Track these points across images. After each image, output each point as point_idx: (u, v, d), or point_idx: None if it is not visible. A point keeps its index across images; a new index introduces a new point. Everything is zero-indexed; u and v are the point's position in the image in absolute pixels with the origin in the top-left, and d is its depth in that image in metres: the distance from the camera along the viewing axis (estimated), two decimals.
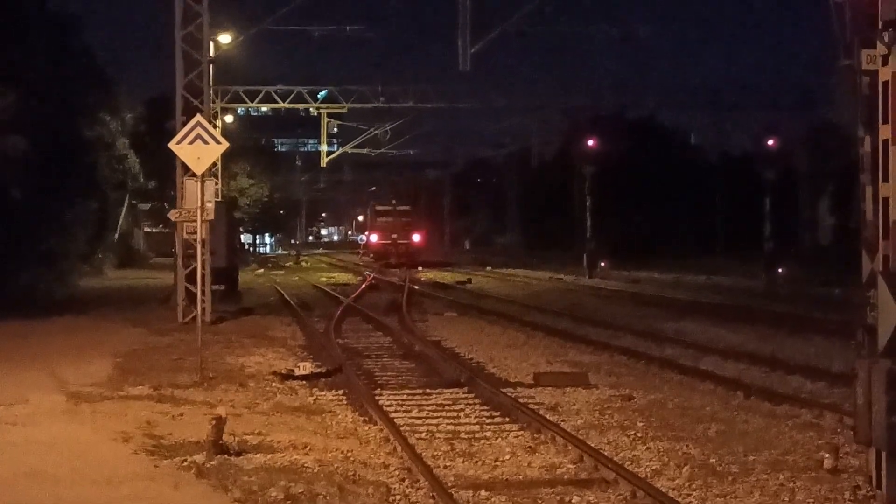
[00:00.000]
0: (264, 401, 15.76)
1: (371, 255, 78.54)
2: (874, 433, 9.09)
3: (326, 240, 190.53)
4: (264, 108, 71.05)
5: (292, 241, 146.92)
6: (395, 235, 74.48)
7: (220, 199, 35.77)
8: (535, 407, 14.93)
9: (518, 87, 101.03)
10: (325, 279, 55.12)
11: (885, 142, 9.31)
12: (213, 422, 11.68)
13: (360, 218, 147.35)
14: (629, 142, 72.99)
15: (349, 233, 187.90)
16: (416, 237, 76.69)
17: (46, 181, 33.99)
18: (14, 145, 30.94)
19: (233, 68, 51.30)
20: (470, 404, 15.58)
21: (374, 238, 77.96)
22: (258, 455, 11.72)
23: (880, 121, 9.37)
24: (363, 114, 66.91)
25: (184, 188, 23.02)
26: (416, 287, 45.26)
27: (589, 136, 60.31)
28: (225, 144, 18.89)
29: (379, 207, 79.78)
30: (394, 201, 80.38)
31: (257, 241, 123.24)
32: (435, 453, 12.22)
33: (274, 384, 17.49)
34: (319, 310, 33.24)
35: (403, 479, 10.89)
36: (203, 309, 21.69)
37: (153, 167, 58.13)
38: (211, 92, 31.19)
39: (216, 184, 34.03)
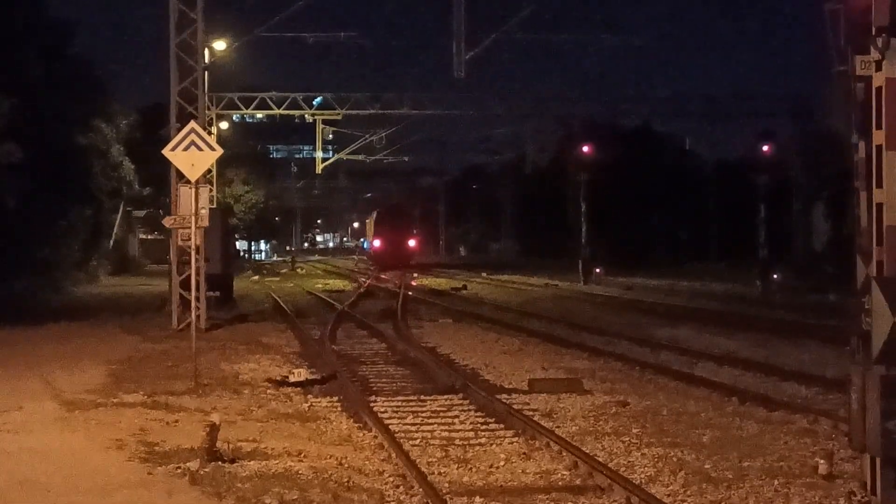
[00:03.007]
0: (259, 408, 15.73)
1: (373, 258, 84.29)
2: (868, 439, 9.08)
3: (322, 246, 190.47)
4: (259, 115, 70.99)
5: (287, 248, 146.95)
6: (394, 241, 79.86)
7: (214, 206, 35.78)
8: (530, 413, 14.92)
9: (513, 94, 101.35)
10: (320, 286, 55.06)
11: (879, 147, 9.31)
12: (208, 429, 11.65)
13: (356, 224, 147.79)
14: (624, 149, 73.00)
15: (344, 239, 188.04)
16: (412, 242, 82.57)
17: (41, 189, 33.94)
18: (8, 153, 30.89)
19: (228, 75, 51.45)
20: (465, 411, 15.56)
21: (376, 243, 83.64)
22: (252, 462, 11.70)
23: (874, 126, 9.37)
24: (358, 120, 67.07)
25: (178, 195, 22.99)
26: (412, 293, 45.22)
27: (583, 143, 60.32)
28: (219, 151, 18.87)
29: (380, 216, 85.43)
30: (394, 210, 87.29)
31: (252, 248, 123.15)
32: (429, 460, 12.20)
33: (268, 391, 17.45)
34: (314, 316, 33.20)
35: (398, 486, 10.87)
36: (198, 316, 21.67)
37: (148, 174, 58.02)
38: (206, 99, 31.18)
39: (211, 190, 33.99)
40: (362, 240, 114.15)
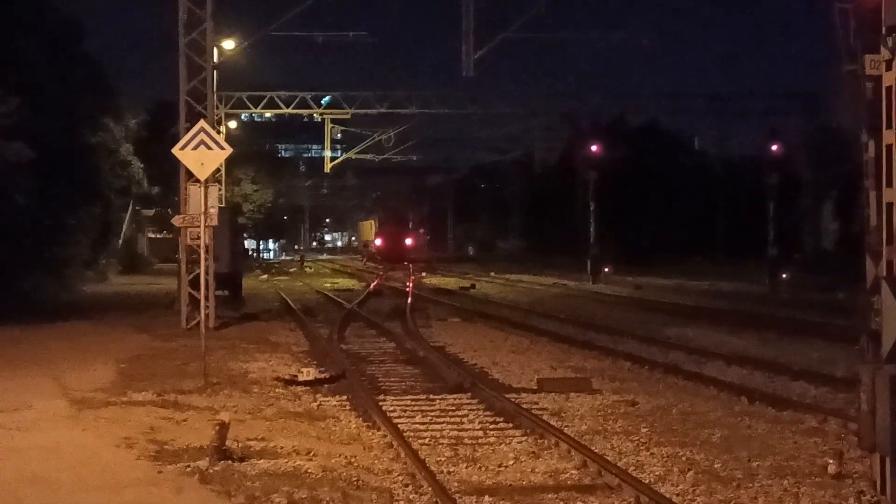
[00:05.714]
0: (268, 406, 15.74)
1: (374, 257, 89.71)
2: (878, 438, 9.08)
3: (330, 245, 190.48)
4: (268, 114, 71.19)
5: (296, 247, 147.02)
6: (394, 240, 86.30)
7: (223, 205, 35.81)
8: (539, 412, 14.91)
9: (521, 92, 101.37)
10: (328, 285, 55.09)
11: (889, 146, 9.31)
12: (217, 427, 11.67)
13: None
14: (632, 147, 72.92)
15: (353, 238, 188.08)
16: (409, 241, 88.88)
17: (50, 187, 33.98)
18: (17, 151, 30.92)
19: (236, 74, 51.38)
20: (473, 410, 15.56)
21: (378, 242, 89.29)
22: (261, 460, 11.71)
23: (884, 126, 9.37)
24: (366, 119, 67.20)
25: (187, 194, 23.03)
26: (420, 293, 45.22)
27: (592, 142, 60.28)
28: (228, 150, 18.88)
29: (381, 220, 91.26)
30: (395, 212, 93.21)
31: (261, 247, 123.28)
32: (438, 459, 12.21)
33: (277, 390, 17.47)
34: (323, 315, 33.22)
35: (407, 485, 10.88)
36: (206, 314, 21.66)
37: (157, 173, 58.14)
38: (214, 97, 31.20)
39: (220, 189, 34.04)
40: (357, 241, 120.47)
